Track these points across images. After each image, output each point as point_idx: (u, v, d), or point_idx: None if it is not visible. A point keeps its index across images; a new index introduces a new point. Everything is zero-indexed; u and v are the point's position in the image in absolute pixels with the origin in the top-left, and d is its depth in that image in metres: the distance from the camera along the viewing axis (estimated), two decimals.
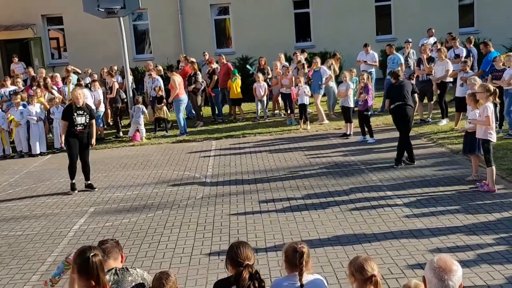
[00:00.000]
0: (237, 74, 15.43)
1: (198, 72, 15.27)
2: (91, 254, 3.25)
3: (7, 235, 7.68)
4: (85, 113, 9.50)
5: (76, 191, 9.61)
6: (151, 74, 15.17)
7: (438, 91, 13.04)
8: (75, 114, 9.39)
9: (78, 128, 9.43)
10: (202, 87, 15.17)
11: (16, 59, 17.37)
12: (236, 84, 15.13)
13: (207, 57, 16.23)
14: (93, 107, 13.71)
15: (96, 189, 9.64)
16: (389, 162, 9.84)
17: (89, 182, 9.79)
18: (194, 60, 15.78)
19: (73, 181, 9.67)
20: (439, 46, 14.00)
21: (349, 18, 19.73)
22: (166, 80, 16.77)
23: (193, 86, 14.94)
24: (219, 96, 15.63)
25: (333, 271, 5.67)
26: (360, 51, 15.68)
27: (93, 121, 9.86)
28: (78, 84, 14.16)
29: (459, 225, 6.69)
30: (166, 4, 19.79)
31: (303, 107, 13.58)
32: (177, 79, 14.06)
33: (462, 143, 8.88)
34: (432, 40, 16.28)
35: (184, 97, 14.28)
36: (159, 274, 3.53)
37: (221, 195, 8.78)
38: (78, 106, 9.40)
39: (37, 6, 19.62)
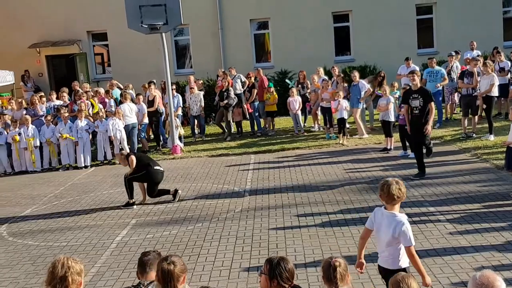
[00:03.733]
0: (272, 87, 15.55)
1: (230, 88, 15.45)
2: (164, 262, 3.33)
3: (52, 246, 7.89)
4: None
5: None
6: (192, 89, 15.43)
7: (485, 106, 12.72)
8: None
9: None
10: (234, 103, 15.32)
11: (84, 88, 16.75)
12: (272, 98, 15.25)
13: (233, 72, 16.40)
14: (135, 120, 14.14)
15: (179, 193, 9.79)
16: (432, 178, 9.66)
17: (171, 193, 9.80)
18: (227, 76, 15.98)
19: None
20: (480, 61, 13.72)
21: (390, 32, 19.58)
22: (206, 94, 17.04)
23: (225, 101, 15.11)
24: (257, 109, 15.73)
25: None
26: (401, 65, 15.52)
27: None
28: (125, 98, 14.49)
29: (505, 243, 6.49)
30: (207, 19, 20.11)
31: (342, 121, 13.50)
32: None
33: (505, 158, 8.66)
34: (475, 53, 16.00)
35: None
36: None
37: (260, 208, 8.79)
38: None
39: (83, 22, 20.26)
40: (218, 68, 17.92)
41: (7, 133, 13.66)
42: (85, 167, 13.50)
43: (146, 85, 15.86)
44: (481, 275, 2.73)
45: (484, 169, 10.08)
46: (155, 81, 16.39)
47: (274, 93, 15.38)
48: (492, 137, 12.30)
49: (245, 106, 15.94)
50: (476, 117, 13.03)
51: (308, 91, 15.64)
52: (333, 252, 6.60)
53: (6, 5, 20.43)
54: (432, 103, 9.64)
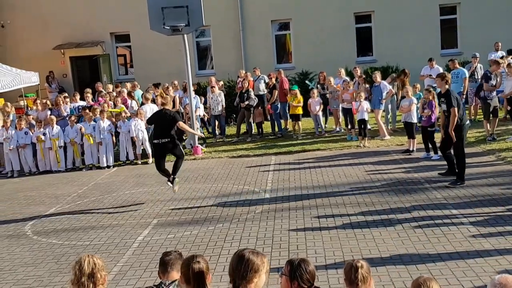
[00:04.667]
0: (296, 90, 15.28)
1: (251, 89, 15.47)
2: (193, 261, 3.34)
3: (76, 245, 8.01)
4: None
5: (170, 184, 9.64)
6: (213, 88, 15.49)
7: (509, 108, 12.52)
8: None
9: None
10: (255, 104, 15.33)
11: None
12: (296, 100, 15.06)
13: (257, 72, 16.42)
14: None
15: (170, 185, 9.57)
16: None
17: (172, 176, 9.60)
18: (250, 77, 15.99)
19: (169, 178, 9.67)
20: (506, 61, 13.51)
21: (413, 32, 19.40)
22: (227, 95, 17.08)
23: (246, 102, 15.14)
24: (278, 110, 15.72)
25: None
26: (424, 66, 15.36)
27: (180, 123, 9.76)
28: (146, 99, 14.63)
29: None
30: (228, 20, 20.19)
31: (362, 122, 13.41)
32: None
33: None
34: (500, 54, 15.75)
35: None
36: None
37: (280, 210, 8.79)
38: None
39: (106, 24, 20.52)
40: (239, 69, 17.97)
41: (32, 133, 13.91)
42: (108, 167, 13.64)
43: (159, 89, 15.79)
44: (500, 277, 2.78)
45: (509, 172, 9.92)
46: (176, 82, 16.51)
47: (298, 95, 15.16)
48: None
49: (266, 107, 15.94)
50: (497, 119, 12.80)
51: (328, 91, 15.54)
52: (354, 254, 6.56)
53: (32, 7, 20.81)
54: (455, 109, 9.14)
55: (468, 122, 9.56)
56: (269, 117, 16.22)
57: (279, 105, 15.63)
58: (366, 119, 13.49)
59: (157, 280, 3.97)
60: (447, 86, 9.48)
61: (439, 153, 10.69)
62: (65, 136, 13.89)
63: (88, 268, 3.34)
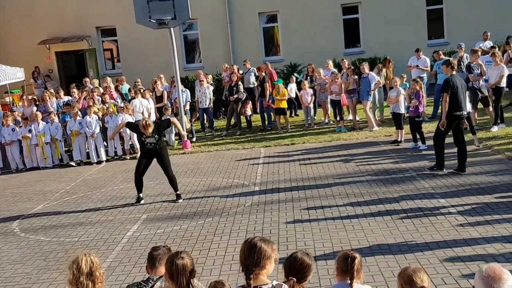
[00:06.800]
0: (280, 84, 15.00)
1: (240, 83, 15.42)
2: (177, 257, 3.32)
3: (64, 241, 7.96)
4: (154, 135, 9.25)
5: (140, 202, 9.49)
6: (202, 81, 15.43)
7: (493, 97, 12.58)
8: (144, 136, 9.24)
9: (148, 147, 9.33)
10: (244, 97, 15.28)
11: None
12: (280, 94, 14.80)
13: (248, 65, 16.35)
14: (146, 115, 14.08)
15: (181, 201, 9.41)
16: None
17: (176, 192, 9.54)
18: (236, 70, 15.90)
19: (139, 194, 9.55)
20: (497, 49, 13.56)
21: (400, 23, 19.44)
22: (215, 88, 17.03)
23: (235, 96, 15.10)
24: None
25: (384, 281, 5.57)
26: (411, 56, 15.40)
27: (174, 120, 9.87)
28: (136, 93, 14.53)
29: None
30: (216, 14, 20.09)
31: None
32: None
33: None
34: (487, 43, 15.82)
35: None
36: (214, 283, 3.54)
37: (270, 202, 8.80)
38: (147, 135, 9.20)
39: (92, 18, 20.33)
40: (227, 62, 17.91)
41: (18, 129, 13.78)
42: (99, 162, 13.53)
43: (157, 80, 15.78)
44: (487, 268, 2.73)
45: (496, 160, 9.99)
46: (162, 76, 16.41)
47: (282, 89, 14.81)
48: (496, 128, 12.17)
49: (256, 100, 15.87)
50: (490, 108, 12.84)
51: (316, 83, 15.50)
52: (343, 245, 6.59)
53: (16, 2, 20.54)
54: (445, 95, 9.05)
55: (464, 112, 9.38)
56: (258, 110, 16.20)
57: (269, 98, 15.57)
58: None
59: (147, 275, 3.95)
60: (454, 72, 9.28)
61: (427, 143, 10.71)
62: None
63: (86, 267, 3.30)
